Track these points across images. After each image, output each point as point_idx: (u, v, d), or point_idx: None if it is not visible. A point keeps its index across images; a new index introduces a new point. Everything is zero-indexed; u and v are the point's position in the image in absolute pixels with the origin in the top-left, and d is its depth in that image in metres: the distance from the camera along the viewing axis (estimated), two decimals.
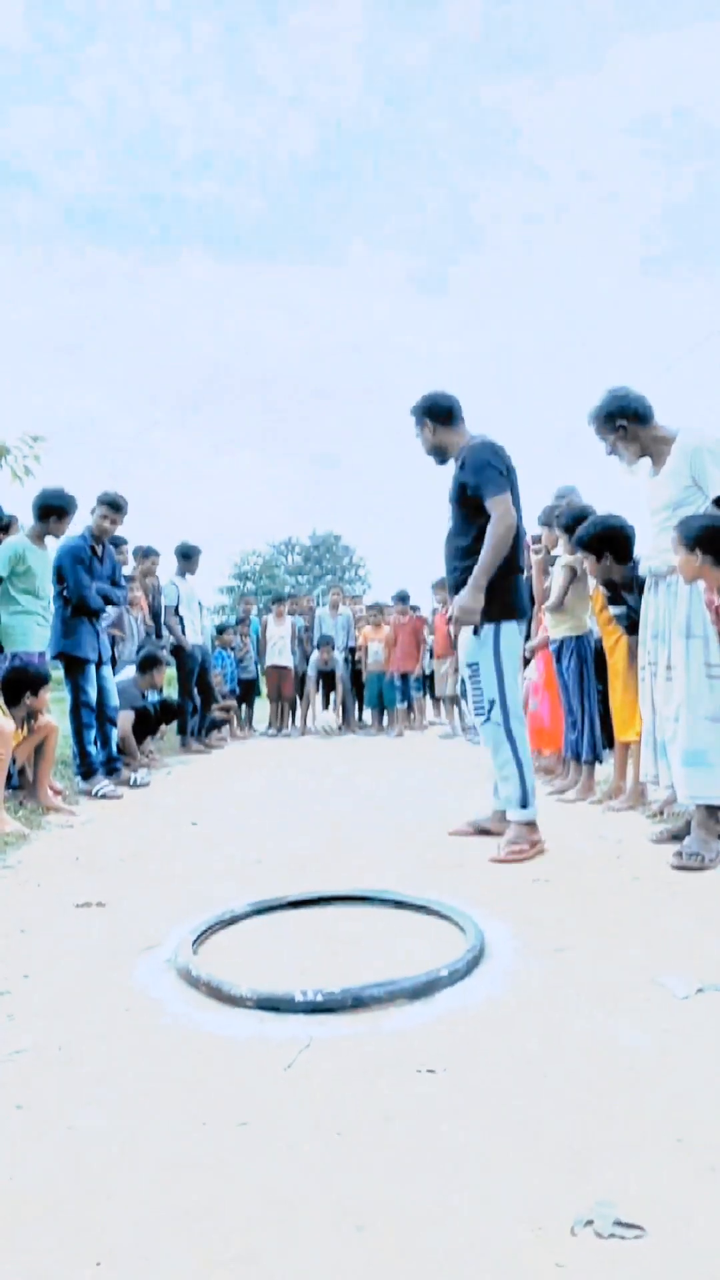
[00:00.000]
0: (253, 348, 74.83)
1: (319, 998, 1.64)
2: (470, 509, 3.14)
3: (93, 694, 4.91)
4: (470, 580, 3.06)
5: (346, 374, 77.06)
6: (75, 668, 4.87)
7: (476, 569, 3.05)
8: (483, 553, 3.04)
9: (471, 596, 3.05)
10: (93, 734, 4.91)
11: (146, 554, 7.37)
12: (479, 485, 3.07)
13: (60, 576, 4.80)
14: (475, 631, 3.13)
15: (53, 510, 4.51)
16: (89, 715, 4.90)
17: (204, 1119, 1.27)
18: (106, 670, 5.12)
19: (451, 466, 3.29)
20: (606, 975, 1.81)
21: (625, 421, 3.04)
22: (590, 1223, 1.00)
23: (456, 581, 3.20)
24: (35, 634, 4.47)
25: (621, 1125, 1.22)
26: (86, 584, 4.87)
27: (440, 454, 3.34)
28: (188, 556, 7.18)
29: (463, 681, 7.62)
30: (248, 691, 9.20)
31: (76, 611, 4.83)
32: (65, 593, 4.81)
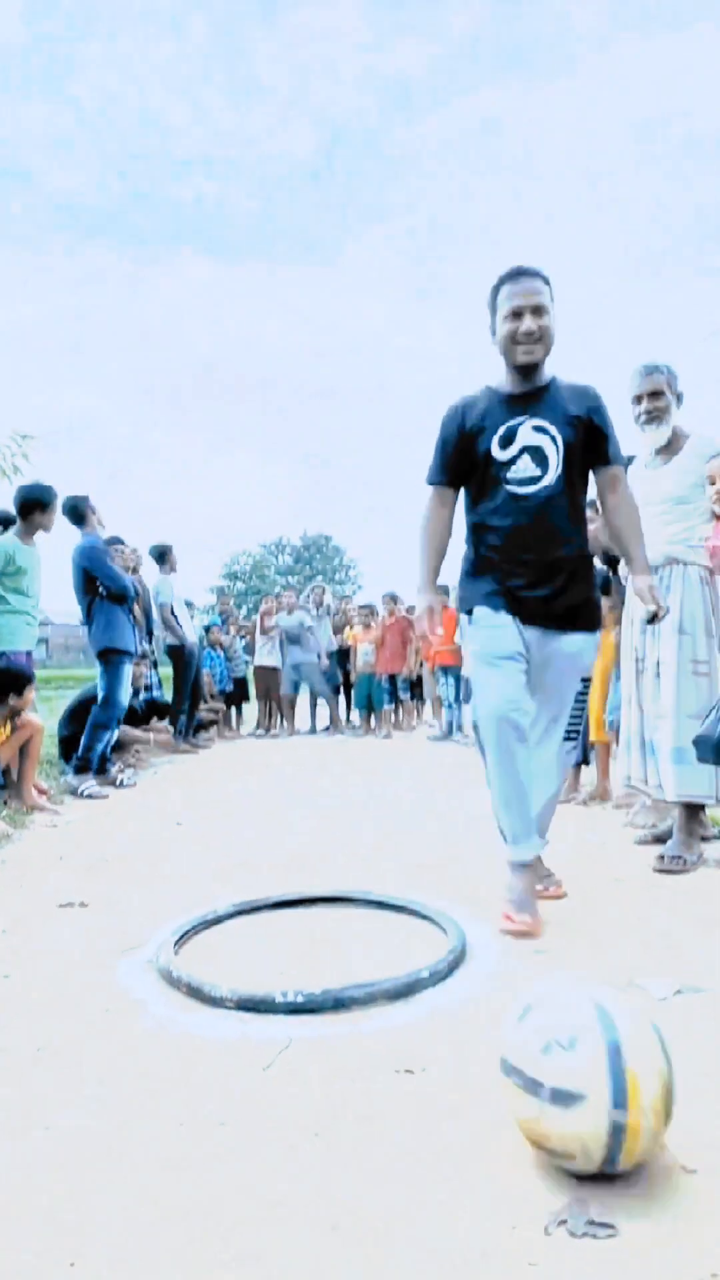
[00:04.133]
0: (246, 348, 74.82)
1: (299, 999, 1.65)
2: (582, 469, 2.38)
3: (126, 693, 5.05)
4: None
5: (340, 375, 77.19)
6: (117, 661, 5.01)
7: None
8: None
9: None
10: (111, 735, 5.02)
11: (110, 543, 7.30)
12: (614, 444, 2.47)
13: (89, 575, 4.98)
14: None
15: (34, 505, 4.49)
16: (118, 713, 5.08)
17: (182, 1119, 1.27)
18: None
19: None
20: (587, 977, 1.82)
21: (674, 395, 2.93)
22: (564, 1222, 1.01)
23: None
24: (23, 633, 4.44)
25: None
26: (117, 572, 5.08)
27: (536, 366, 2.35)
28: (164, 556, 7.12)
29: (458, 684, 7.57)
30: (240, 690, 9.18)
31: (114, 600, 5.02)
32: (102, 587, 4.99)
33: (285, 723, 8.97)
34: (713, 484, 2.68)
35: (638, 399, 2.95)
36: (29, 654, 4.53)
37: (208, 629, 8.74)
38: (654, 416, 2.92)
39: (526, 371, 2.30)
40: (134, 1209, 1.06)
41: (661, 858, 2.77)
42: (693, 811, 2.86)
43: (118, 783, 4.99)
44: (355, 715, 9.19)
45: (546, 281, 2.30)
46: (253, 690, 9.33)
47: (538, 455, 2.28)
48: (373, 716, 8.65)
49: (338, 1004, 1.65)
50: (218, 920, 2.25)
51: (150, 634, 7.09)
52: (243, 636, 9.49)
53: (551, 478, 2.27)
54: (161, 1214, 1.05)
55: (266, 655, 8.72)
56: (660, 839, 3.07)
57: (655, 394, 2.91)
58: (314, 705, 9.17)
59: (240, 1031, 1.58)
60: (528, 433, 2.28)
